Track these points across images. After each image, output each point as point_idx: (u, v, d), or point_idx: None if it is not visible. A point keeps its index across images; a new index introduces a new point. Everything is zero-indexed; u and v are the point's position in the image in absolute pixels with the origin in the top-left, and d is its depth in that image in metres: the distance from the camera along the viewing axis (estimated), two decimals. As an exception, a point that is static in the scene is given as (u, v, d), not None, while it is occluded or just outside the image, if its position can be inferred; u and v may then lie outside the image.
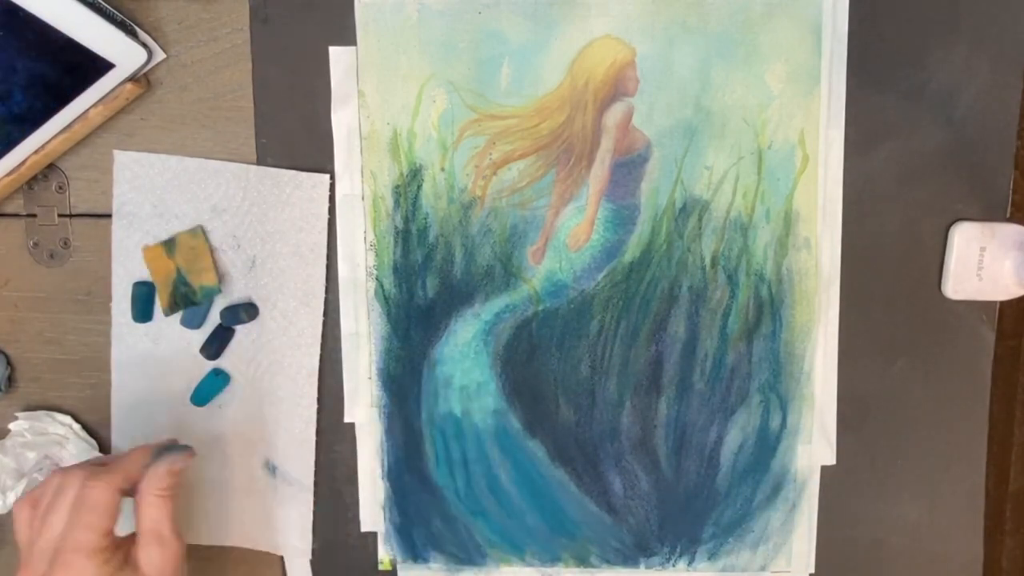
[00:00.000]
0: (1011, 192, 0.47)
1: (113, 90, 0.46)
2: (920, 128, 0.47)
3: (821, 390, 0.49)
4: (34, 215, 0.50)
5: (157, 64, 0.47)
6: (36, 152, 0.47)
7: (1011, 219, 0.48)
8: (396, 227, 0.48)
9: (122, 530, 0.42)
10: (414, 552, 0.52)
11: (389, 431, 0.51)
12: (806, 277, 0.48)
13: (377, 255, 0.49)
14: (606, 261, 0.48)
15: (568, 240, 0.48)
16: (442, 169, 0.48)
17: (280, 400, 0.50)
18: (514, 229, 0.48)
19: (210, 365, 0.50)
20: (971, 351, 0.49)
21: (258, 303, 0.49)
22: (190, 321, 0.49)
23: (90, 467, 0.43)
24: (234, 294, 0.49)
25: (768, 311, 0.48)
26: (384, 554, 0.52)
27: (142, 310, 0.50)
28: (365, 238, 0.49)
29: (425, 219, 0.48)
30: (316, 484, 0.51)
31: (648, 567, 0.52)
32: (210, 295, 0.49)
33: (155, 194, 0.49)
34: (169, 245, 0.49)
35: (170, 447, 0.44)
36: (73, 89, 0.45)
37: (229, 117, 0.48)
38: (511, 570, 0.52)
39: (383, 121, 0.47)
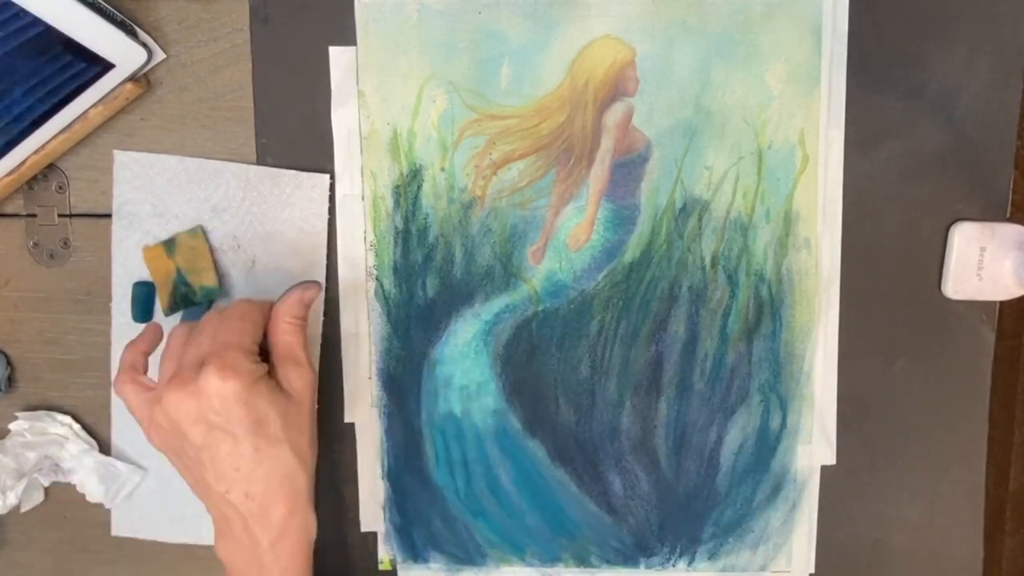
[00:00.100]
0: (1011, 192, 0.47)
1: (113, 90, 0.46)
2: (920, 128, 0.47)
3: (821, 390, 0.49)
4: (34, 215, 0.50)
5: (157, 64, 0.47)
6: (36, 152, 0.47)
7: (1011, 219, 0.48)
8: (396, 227, 0.48)
9: None
10: (414, 552, 0.52)
11: (389, 431, 0.50)
12: (806, 277, 0.48)
13: (377, 255, 0.49)
14: (606, 261, 0.48)
15: (568, 240, 0.48)
16: (442, 169, 0.48)
17: (280, 400, 0.50)
18: (514, 229, 0.48)
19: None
20: (971, 351, 0.49)
21: (258, 303, 0.49)
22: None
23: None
24: (234, 294, 0.49)
25: (768, 311, 0.48)
26: (384, 554, 0.52)
27: (142, 310, 0.50)
28: (365, 238, 0.49)
29: (425, 219, 0.48)
30: (316, 484, 0.51)
31: (648, 567, 0.52)
32: (210, 295, 0.49)
33: (155, 194, 0.49)
34: (169, 245, 0.49)
35: (301, 282, 0.46)
36: (73, 89, 0.45)
37: (229, 117, 0.48)
38: (511, 570, 0.52)
39: (383, 121, 0.47)
